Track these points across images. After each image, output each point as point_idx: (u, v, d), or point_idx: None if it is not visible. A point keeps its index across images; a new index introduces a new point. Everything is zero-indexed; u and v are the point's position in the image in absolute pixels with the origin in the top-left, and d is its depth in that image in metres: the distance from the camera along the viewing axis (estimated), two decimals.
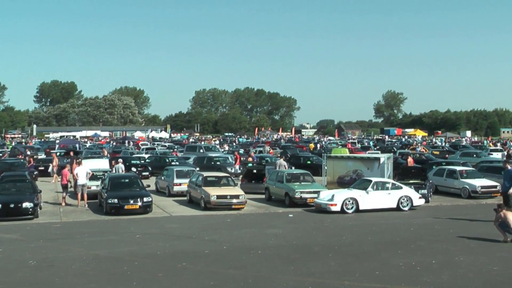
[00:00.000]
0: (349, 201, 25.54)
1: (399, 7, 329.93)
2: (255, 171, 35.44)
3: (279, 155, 53.75)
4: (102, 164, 36.55)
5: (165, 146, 76.96)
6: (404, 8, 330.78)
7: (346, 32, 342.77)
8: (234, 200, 26.65)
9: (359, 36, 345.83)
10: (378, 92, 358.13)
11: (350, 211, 25.31)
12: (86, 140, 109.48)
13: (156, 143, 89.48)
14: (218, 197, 26.41)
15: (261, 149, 63.94)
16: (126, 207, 25.00)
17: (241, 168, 42.11)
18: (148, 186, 28.27)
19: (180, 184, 31.34)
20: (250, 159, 45.99)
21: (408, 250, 17.25)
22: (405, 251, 17.00)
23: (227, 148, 71.90)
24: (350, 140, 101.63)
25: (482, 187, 31.06)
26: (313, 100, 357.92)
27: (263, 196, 30.79)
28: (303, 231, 21.12)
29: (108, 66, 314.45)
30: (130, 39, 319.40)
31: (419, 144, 74.53)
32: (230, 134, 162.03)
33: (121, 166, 35.03)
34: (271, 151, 61.04)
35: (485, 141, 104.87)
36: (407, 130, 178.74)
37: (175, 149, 68.06)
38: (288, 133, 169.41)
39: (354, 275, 13.94)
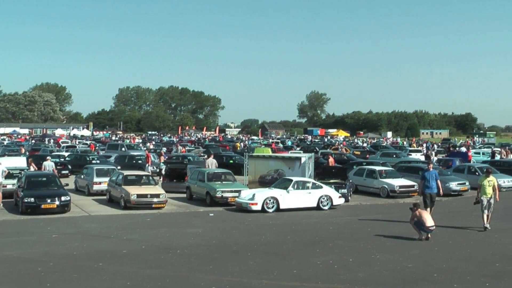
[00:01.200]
0: (269, 200, 25.63)
1: (324, 9, 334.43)
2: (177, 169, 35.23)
3: (201, 154, 53.59)
4: (19, 162, 35.52)
5: (86, 144, 75.63)
6: (328, 10, 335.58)
7: (272, 33, 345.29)
8: (155, 199, 26.37)
9: (284, 37, 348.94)
10: (302, 93, 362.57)
11: (270, 210, 25.41)
12: (4, 137, 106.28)
13: (77, 141, 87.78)
14: (138, 196, 26.08)
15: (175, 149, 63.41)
16: (43, 206, 24.31)
17: (154, 168, 42.14)
18: (67, 185, 27.63)
19: (100, 183, 30.82)
20: (162, 158, 45.35)
21: (327, 248, 17.42)
22: (324, 250, 17.15)
23: (151, 146, 71.11)
24: (274, 140, 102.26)
25: (401, 186, 31.73)
26: (238, 99, 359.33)
27: (184, 195, 30.58)
28: (223, 230, 21.07)
29: (29, 62, 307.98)
30: (52, 35, 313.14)
31: (340, 145, 75.40)
32: (153, 132, 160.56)
33: (50, 164, 33.92)
34: (183, 149, 60.46)
35: (400, 142, 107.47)
36: (330, 130, 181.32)
37: (95, 144, 67.60)
38: (212, 132, 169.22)
39: (272, 274, 13.97)
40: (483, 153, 58.92)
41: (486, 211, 20.59)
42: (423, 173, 23.95)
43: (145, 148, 62.96)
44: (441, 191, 23.45)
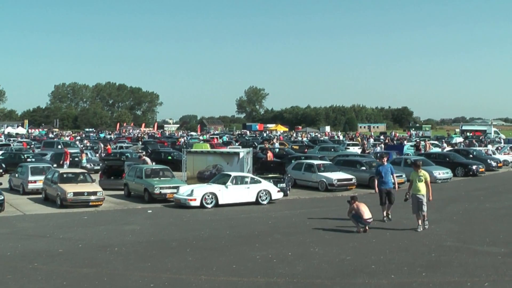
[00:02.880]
0: (208, 196, 25.55)
1: (261, 6, 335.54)
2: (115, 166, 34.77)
3: (139, 150, 53.09)
4: None
5: (21, 142, 73.90)
6: (265, 7, 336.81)
7: (209, 29, 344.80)
8: (92, 197, 25.97)
9: (222, 33, 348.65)
10: (241, 88, 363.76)
11: (209, 206, 25.33)
12: None
13: (11, 139, 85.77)
14: (75, 194, 25.64)
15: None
16: None
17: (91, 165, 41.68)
18: (0, 184, 26.92)
19: (35, 182, 30.16)
20: (83, 156, 44.49)
21: (265, 243, 17.42)
22: (262, 244, 17.15)
23: (88, 144, 69.85)
24: (212, 135, 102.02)
25: (339, 180, 32.04)
26: (176, 95, 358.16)
27: (122, 193, 30.22)
28: (162, 226, 20.89)
29: None
30: None
31: (274, 140, 75.28)
32: (91, 129, 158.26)
33: None
34: (109, 147, 59.28)
35: (341, 136, 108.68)
36: (268, 125, 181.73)
37: (28, 142, 66.24)
38: (151, 129, 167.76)
39: (211, 269, 13.89)
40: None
41: (418, 212, 19.12)
42: (377, 168, 22.42)
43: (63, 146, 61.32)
44: (396, 185, 21.88)
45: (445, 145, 61.10)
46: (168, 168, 30.75)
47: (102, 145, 58.94)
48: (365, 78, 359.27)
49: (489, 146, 59.02)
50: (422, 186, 19.02)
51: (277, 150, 53.26)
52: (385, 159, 22.85)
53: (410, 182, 19.67)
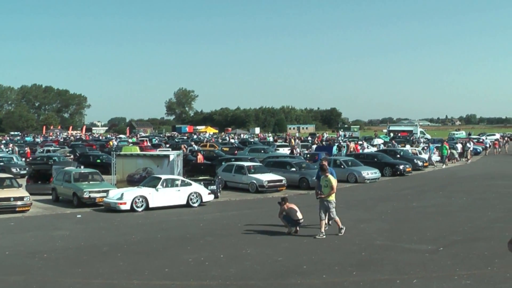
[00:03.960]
0: (138, 199, 25.29)
1: (189, 8, 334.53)
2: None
3: (67, 154, 52.21)
4: None
5: None
6: (193, 9, 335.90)
7: (138, 31, 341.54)
8: (19, 202, 25.27)
9: (150, 34, 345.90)
10: (170, 90, 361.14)
11: (140, 209, 25.08)
12: None
13: None
14: (1, 199, 24.94)
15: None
16: None
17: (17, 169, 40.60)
18: None
19: None
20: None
21: (198, 245, 17.38)
22: (195, 247, 17.10)
23: (11, 147, 68.17)
24: (141, 138, 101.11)
25: (269, 181, 32.17)
26: (105, 97, 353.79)
27: (50, 197, 29.59)
28: (92, 231, 20.58)
29: None
30: None
31: (192, 143, 74.57)
32: (16, 133, 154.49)
33: None
34: (28, 151, 57.89)
35: (268, 138, 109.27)
36: (198, 127, 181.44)
37: None
38: (79, 131, 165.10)
39: (143, 274, 13.77)
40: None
41: (325, 216, 18.41)
42: (318, 172, 20.57)
43: None
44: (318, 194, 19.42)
45: (365, 145, 61.86)
46: (97, 172, 30.30)
47: (28, 149, 57.74)
48: (294, 80, 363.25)
49: (421, 146, 60.56)
50: (327, 192, 18.49)
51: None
52: (325, 162, 21.01)
53: (317, 184, 19.68)
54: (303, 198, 28.15)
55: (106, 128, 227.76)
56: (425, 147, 57.61)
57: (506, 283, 12.37)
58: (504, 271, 13.33)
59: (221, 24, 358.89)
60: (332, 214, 18.46)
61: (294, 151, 55.01)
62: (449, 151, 52.72)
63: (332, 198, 18.54)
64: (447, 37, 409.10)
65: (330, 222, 18.75)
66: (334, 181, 18.51)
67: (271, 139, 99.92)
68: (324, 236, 18.02)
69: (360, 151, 54.82)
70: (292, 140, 76.99)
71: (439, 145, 55.06)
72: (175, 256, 15.87)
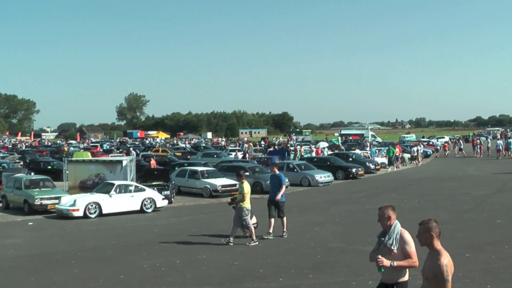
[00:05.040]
0: (92, 205, 25.02)
1: (137, 13, 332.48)
2: None
3: (17, 160, 51.35)
4: None
5: None
6: (144, 12, 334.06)
7: (86, 36, 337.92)
8: None
9: (101, 40, 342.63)
10: (121, 95, 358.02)
11: (93, 216, 24.82)
12: None
13: None
14: None
15: None
16: None
17: None
18: None
19: None
20: None
21: (153, 251, 17.27)
22: (150, 253, 16.99)
23: None
24: (92, 144, 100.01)
25: (223, 186, 32.17)
26: (54, 102, 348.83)
27: (0, 205, 29.04)
28: (45, 239, 20.28)
29: None
30: None
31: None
32: None
33: None
34: None
35: (221, 142, 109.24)
36: (150, 132, 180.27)
37: None
38: (27, 138, 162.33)
39: (98, 281, 13.63)
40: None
41: (239, 224, 18.25)
42: (270, 177, 20.33)
43: None
44: (278, 196, 19.16)
45: (313, 148, 62.11)
46: (48, 178, 29.85)
47: None
48: (245, 84, 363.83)
49: (373, 149, 61.19)
50: (240, 198, 18.28)
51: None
52: (274, 168, 20.35)
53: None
54: (257, 202, 28.06)
55: (56, 134, 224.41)
56: (377, 150, 58.26)
57: (458, 282, 12.48)
58: (456, 271, 13.03)
59: (171, 28, 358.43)
60: (245, 221, 18.09)
61: (247, 155, 55.06)
62: (400, 154, 53.55)
63: (246, 205, 18.13)
64: (396, 41, 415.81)
65: (246, 230, 18.42)
66: (246, 188, 18.16)
67: (223, 143, 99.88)
68: (229, 242, 17.93)
69: (322, 154, 55.13)
70: (251, 144, 77.11)
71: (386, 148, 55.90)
72: (130, 263, 15.74)
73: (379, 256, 7.46)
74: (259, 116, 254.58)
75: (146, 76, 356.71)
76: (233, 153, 60.89)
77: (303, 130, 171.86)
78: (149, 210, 26.42)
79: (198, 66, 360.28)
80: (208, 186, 32.22)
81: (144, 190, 26.99)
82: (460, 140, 73.55)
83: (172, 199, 29.69)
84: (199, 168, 35.14)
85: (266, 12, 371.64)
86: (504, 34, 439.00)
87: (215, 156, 55.18)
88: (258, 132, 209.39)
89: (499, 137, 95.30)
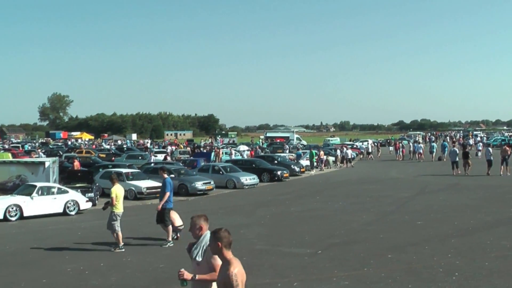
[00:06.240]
0: (12, 208, 24.41)
1: (65, 11, 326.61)
2: None
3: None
4: None
5: None
6: (68, 12, 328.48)
7: (7, 33, 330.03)
8: None
9: (22, 37, 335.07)
10: (44, 95, 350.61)
11: (13, 219, 24.22)
12: None
13: None
14: None
15: None
16: None
17: None
18: None
19: None
20: None
21: (76, 254, 16.97)
22: (73, 256, 16.68)
23: None
24: (13, 144, 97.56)
25: (148, 188, 31.88)
26: None
27: None
28: None
29: None
30: None
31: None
32: None
33: None
34: None
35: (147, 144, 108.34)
36: (73, 133, 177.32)
37: None
38: None
39: (19, 285, 13.30)
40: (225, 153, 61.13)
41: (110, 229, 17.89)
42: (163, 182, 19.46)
43: None
44: (159, 206, 18.72)
45: (233, 151, 62.12)
46: None
47: None
48: (171, 85, 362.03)
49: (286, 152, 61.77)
50: (116, 204, 17.94)
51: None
52: (163, 173, 19.49)
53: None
54: (183, 204, 28.07)
55: None
56: (302, 153, 58.86)
57: (381, 282, 12.83)
58: (379, 271, 13.85)
59: (95, 28, 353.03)
60: (112, 227, 17.72)
61: (168, 157, 54.57)
62: (324, 157, 54.38)
63: (117, 210, 17.87)
64: (322, 45, 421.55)
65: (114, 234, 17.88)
66: (113, 192, 17.89)
67: (149, 145, 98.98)
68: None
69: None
70: (181, 145, 76.64)
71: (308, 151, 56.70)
72: (53, 266, 15.42)
73: (181, 270, 7.09)
74: (184, 118, 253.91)
75: (70, 76, 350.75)
76: (158, 155, 60.44)
77: (229, 133, 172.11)
78: (73, 213, 25.96)
79: (123, 67, 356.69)
80: (133, 188, 31.89)
81: (67, 192, 26.49)
82: (369, 145, 75.45)
83: (96, 202, 29.23)
84: (124, 170, 34.75)
85: (191, 13, 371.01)
86: (427, 39, 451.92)
87: (140, 158, 54.65)
88: (184, 134, 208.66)
89: (420, 140, 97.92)
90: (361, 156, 71.72)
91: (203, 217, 7.89)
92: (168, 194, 18.79)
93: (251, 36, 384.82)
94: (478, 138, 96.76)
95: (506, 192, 30.84)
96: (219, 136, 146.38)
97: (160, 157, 56.50)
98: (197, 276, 7.03)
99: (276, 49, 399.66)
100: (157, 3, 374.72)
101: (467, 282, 12.65)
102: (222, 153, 58.01)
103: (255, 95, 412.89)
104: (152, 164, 43.22)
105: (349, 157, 58.00)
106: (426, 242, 17.63)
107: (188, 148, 72.62)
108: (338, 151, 60.19)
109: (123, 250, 17.43)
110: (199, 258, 7.33)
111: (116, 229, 17.69)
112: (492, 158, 42.13)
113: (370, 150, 71.04)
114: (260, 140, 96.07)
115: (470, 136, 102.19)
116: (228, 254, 6.44)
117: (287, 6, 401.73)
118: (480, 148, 66.13)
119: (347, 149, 60.15)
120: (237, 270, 6.19)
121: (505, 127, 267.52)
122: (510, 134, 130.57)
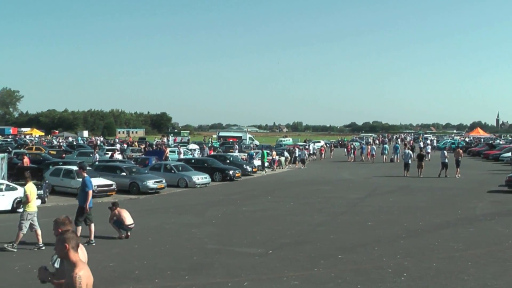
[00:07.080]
0: None
1: (19, 8, 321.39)
2: None
3: None
4: None
5: None
6: (21, 8, 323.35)
7: None
8: None
9: None
10: None
11: None
12: None
13: None
14: None
15: None
16: None
17: None
18: None
19: None
20: None
21: (24, 253, 16.81)
22: (21, 254, 16.51)
23: None
24: None
25: (99, 186, 31.49)
26: None
27: None
28: None
29: None
30: None
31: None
32: None
33: None
34: None
35: (98, 141, 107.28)
36: (23, 129, 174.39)
37: None
38: None
39: None
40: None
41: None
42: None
43: None
44: (86, 203, 18.44)
45: (180, 150, 61.85)
46: None
47: None
48: (123, 82, 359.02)
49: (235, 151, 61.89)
50: (29, 202, 17.76)
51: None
52: (82, 171, 19.28)
53: None
54: (134, 203, 27.93)
55: None
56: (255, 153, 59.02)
57: (331, 282, 12.98)
58: (329, 271, 14.01)
59: (46, 23, 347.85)
60: (20, 226, 17.47)
61: (115, 155, 53.83)
62: (277, 157, 54.66)
63: (29, 209, 17.70)
64: (275, 45, 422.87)
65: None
66: (28, 190, 17.71)
67: (99, 142, 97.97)
68: (15, 250, 17.13)
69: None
70: (136, 143, 76.07)
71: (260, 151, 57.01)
72: (1, 265, 15.18)
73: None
74: (137, 115, 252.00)
75: (21, 71, 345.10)
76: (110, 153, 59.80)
77: (182, 131, 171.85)
78: (21, 210, 25.53)
79: (76, 63, 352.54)
80: None
81: (16, 189, 26.09)
82: (311, 145, 76.70)
83: (46, 199, 28.84)
84: (74, 167, 34.33)
85: (145, 12, 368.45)
86: (379, 42, 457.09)
87: (91, 155, 54.03)
88: (136, 132, 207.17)
89: (371, 142, 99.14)
90: (314, 157, 72.34)
91: (66, 219, 7.55)
92: (91, 193, 18.61)
93: (202, 36, 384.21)
94: (428, 141, 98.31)
95: (455, 195, 31.44)
96: (172, 134, 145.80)
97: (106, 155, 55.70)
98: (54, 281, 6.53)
99: (229, 48, 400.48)
100: (104, 1, 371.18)
101: (415, 283, 12.89)
102: (168, 151, 57.51)
103: (208, 94, 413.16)
104: (97, 162, 42.58)
105: (305, 157, 58.54)
106: (376, 243, 17.88)
107: (142, 146, 72.16)
108: (297, 151, 60.73)
109: (15, 251, 17.06)
110: (57, 265, 6.92)
111: (23, 229, 17.37)
112: (447, 160, 43.01)
113: (314, 152, 72.53)
114: (205, 139, 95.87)
115: (420, 139, 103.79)
116: (75, 256, 6.13)
117: (231, 5, 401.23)
118: (429, 151, 67.21)
119: (304, 150, 60.77)
120: (82, 273, 5.97)
121: (454, 131, 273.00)
122: (459, 137, 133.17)
